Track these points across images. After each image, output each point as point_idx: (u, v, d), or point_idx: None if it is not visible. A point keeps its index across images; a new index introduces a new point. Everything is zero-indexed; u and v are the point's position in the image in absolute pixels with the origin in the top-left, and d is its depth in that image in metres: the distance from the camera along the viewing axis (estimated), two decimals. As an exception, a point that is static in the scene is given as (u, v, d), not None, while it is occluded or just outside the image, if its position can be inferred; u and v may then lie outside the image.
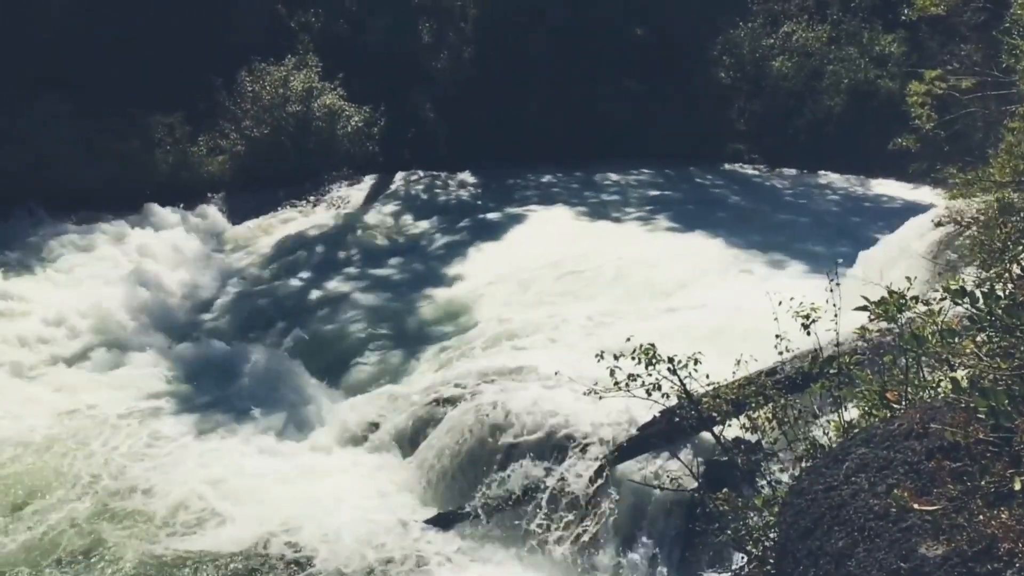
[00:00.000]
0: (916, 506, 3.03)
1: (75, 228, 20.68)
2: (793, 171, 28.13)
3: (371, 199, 24.82)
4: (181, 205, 23.08)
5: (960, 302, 3.55)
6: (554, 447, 10.80)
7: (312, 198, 24.67)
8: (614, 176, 26.48)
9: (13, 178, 21.44)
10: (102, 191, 22.18)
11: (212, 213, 23.52)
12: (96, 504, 11.24)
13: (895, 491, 3.13)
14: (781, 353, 5.92)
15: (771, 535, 4.69)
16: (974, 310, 3.53)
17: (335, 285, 18.73)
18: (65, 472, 11.98)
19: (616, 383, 5.76)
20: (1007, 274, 4.55)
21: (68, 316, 16.49)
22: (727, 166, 28.72)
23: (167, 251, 20.17)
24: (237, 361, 15.29)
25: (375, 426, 12.93)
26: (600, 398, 5.96)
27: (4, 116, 22.00)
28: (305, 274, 19.60)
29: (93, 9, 23.95)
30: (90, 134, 22.91)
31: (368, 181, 25.88)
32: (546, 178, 26.24)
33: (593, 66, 28.92)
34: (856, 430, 4.17)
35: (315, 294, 18.40)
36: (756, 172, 28.36)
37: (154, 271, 18.78)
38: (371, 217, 23.32)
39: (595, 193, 24.77)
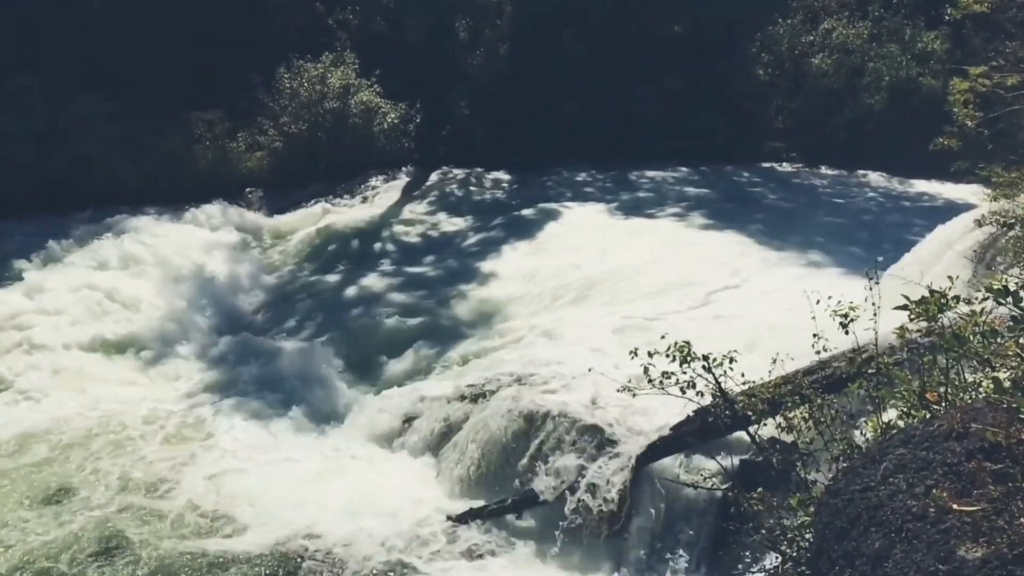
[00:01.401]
0: (955, 507, 2.99)
1: (116, 224, 21.00)
2: (832, 170, 27.76)
3: (406, 196, 24.96)
4: (220, 201, 23.38)
5: (1003, 302, 3.50)
6: (586, 444, 10.78)
7: (348, 194, 24.88)
8: (650, 174, 26.33)
9: (57, 175, 21.91)
10: (143, 187, 22.57)
11: (250, 209, 23.82)
12: (122, 501, 11.25)
13: (934, 492, 3.08)
14: (818, 352, 5.86)
15: (806, 535, 4.65)
16: (1017, 310, 3.47)
17: (369, 281, 18.86)
18: (94, 467, 12.06)
19: (650, 380, 5.73)
20: (1052, 274, 4.47)
21: (107, 311, 16.77)
22: (764, 164, 28.43)
23: (205, 246, 20.45)
24: (271, 356, 15.44)
25: (406, 423, 12.97)
26: (634, 395, 5.93)
27: (48, 115, 22.46)
28: (340, 270, 19.77)
29: (134, 8, 24.34)
30: (131, 132, 23.33)
31: (403, 178, 26.01)
32: (581, 176, 26.17)
33: (630, 64, 28.80)
34: (894, 431, 4.12)
35: (349, 290, 18.54)
36: (794, 171, 28.05)
37: (192, 266, 19.05)
38: (406, 213, 23.45)
39: (630, 191, 24.67)
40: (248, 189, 24.70)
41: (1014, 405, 3.18)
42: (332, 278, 19.35)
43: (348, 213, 23.65)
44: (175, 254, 19.50)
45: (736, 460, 8.95)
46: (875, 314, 5.33)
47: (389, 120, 25.97)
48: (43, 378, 14.58)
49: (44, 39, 23.45)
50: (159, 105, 23.66)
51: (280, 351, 15.57)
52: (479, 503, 11.09)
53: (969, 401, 4.00)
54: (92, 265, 19.01)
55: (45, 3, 23.81)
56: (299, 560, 10.18)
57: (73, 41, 23.54)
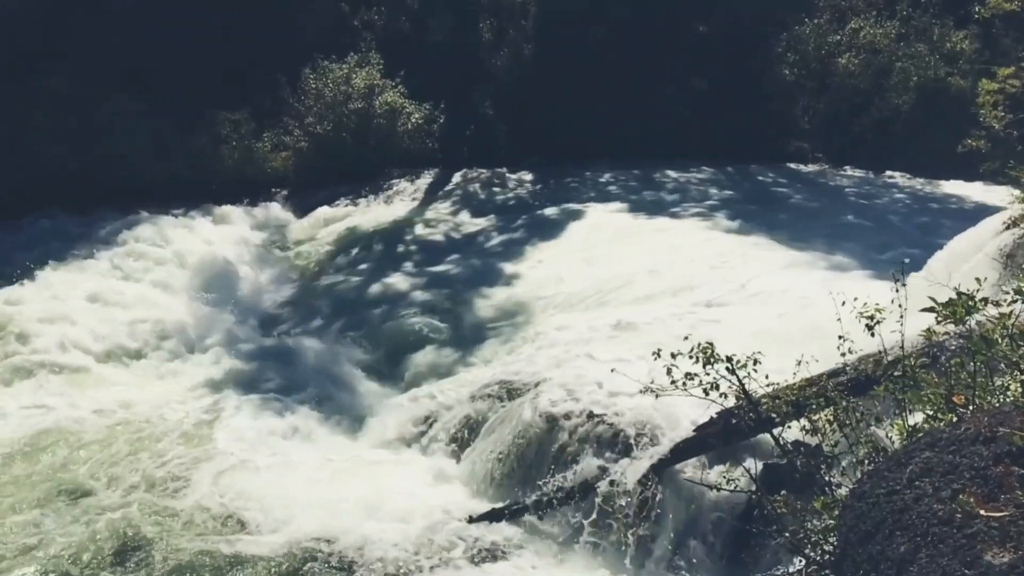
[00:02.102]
0: (982, 512, 2.96)
1: (142, 222, 21.17)
2: (858, 171, 27.52)
3: (430, 196, 25.03)
4: (245, 200, 23.59)
5: (1032, 304, 3.46)
6: (609, 445, 10.77)
7: (372, 194, 24.99)
8: (673, 174, 26.23)
9: (84, 175, 22.18)
10: (169, 186, 22.80)
11: (275, 208, 24.01)
12: (138, 502, 11.17)
13: (960, 496, 3.05)
14: (844, 355, 5.82)
15: (830, 539, 4.62)
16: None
17: (393, 281, 18.92)
18: (111, 468, 12.00)
19: (673, 382, 5.71)
20: (1083, 277, 4.41)
21: (130, 310, 16.83)
22: (790, 165, 28.25)
23: (231, 246, 20.61)
24: (292, 356, 15.49)
25: (428, 423, 12.98)
26: (657, 396, 5.91)
27: (77, 115, 22.75)
28: (364, 269, 19.85)
29: (162, 9, 24.60)
30: (159, 131, 23.58)
31: (427, 178, 26.09)
32: (605, 176, 26.11)
33: (654, 63, 28.72)
34: (920, 434, 4.08)
35: (373, 289, 18.61)
36: (819, 171, 27.84)
37: (215, 266, 19.17)
38: (429, 214, 23.50)
39: (654, 192, 24.58)
40: (273, 189, 24.91)
41: (1043, 409, 3.14)
42: (355, 278, 19.43)
43: (372, 213, 23.75)
44: (199, 253, 19.63)
45: (760, 462, 8.90)
46: (901, 316, 5.27)
47: (413, 120, 26.05)
48: (61, 378, 14.56)
49: (74, 39, 23.75)
50: (186, 105, 23.90)
51: (302, 351, 15.63)
52: (501, 503, 11.09)
53: (997, 404, 3.96)
54: (116, 264, 19.11)
55: (75, 3, 24.11)
56: (315, 561, 10.14)
57: (103, 41, 23.82)
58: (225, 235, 21.23)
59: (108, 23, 24.17)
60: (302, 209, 24.21)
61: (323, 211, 23.88)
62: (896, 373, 5.03)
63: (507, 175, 26.53)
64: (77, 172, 22.12)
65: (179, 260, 19.33)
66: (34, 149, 22.12)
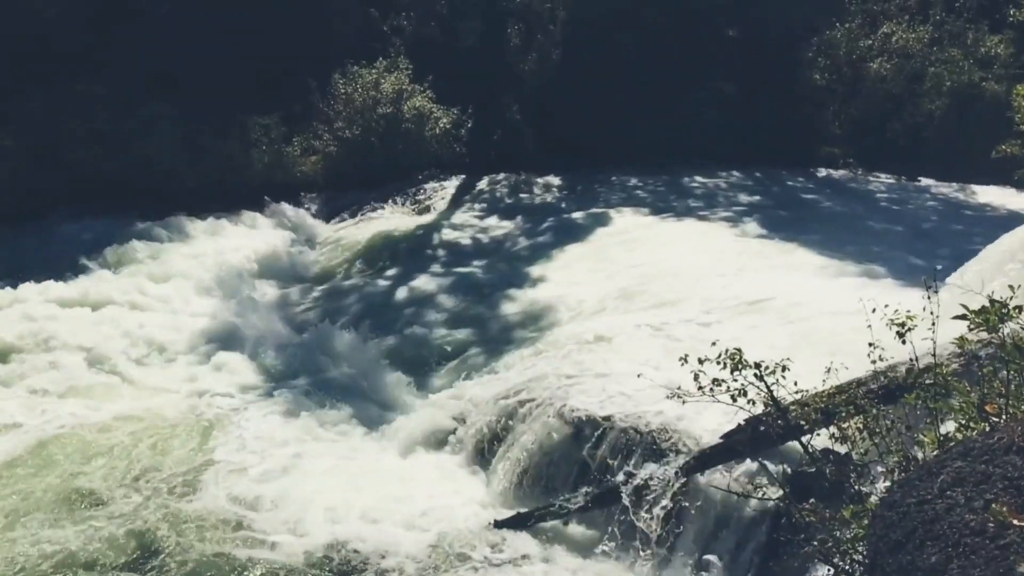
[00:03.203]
0: (1015, 523, 2.91)
1: (172, 226, 21.41)
2: (890, 176, 27.25)
3: (457, 200, 25.12)
4: (274, 204, 23.79)
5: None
6: (636, 451, 10.72)
7: (400, 198, 25.13)
8: (701, 179, 26.13)
9: (117, 177, 22.49)
10: (200, 190, 23.05)
11: (304, 212, 24.19)
12: (151, 508, 11.07)
13: (993, 507, 3.01)
14: (874, 362, 5.75)
15: (860, 548, 4.57)
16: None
17: (420, 284, 18.98)
18: (130, 472, 11.94)
19: (700, 387, 5.68)
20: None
21: (157, 313, 16.93)
22: (820, 170, 28.02)
23: (261, 248, 20.77)
24: (319, 359, 15.49)
25: (452, 428, 12.97)
26: (684, 402, 5.88)
27: (111, 118, 23.08)
28: (392, 273, 19.94)
29: (196, 16, 24.91)
30: (190, 135, 23.86)
31: (455, 182, 26.20)
32: (633, 180, 26.05)
33: (684, 67, 28.62)
34: (952, 443, 4.03)
35: (401, 293, 18.68)
36: (850, 176, 27.59)
37: (244, 269, 19.31)
38: (457, 218, 23.59)
39: (682, 196, 24.48)
40: (302, 193, 25.12)
41: (1079, 419, 3.09)
42: (382, 282, 19.51)
43: (399, 217, 23.88)
44: (228, 256, 19.80)
45: (788, 471, 8.83)
46: (933, 324, 5.21)
47: (441, 125, 26.16)
48: (83, 383, 14.50)
49: (109, 45, 24.10)
50: (217, 109, 24.19)
51: (326, 354, 15.60)
52: (526, 508, 11.06)
53: (1031, 414, 3.90)
54: (145, 267, 19.23)
55: (110, 10, 24.48)
56: (332, 567, 10.10)
57: (137, 47, 24.15)
58: (253, 238, 21.41)
59: (142, 29, 24.51)
60: (330, 213, 24.40)
61: (351, 215, 24.05)
62: (928, 381, 4.97)
63: (534, 180, 26.55)
64: (109, 175, 22.43)
65: (207, 263, 19.47)
66: (68, 152, 22.47)
